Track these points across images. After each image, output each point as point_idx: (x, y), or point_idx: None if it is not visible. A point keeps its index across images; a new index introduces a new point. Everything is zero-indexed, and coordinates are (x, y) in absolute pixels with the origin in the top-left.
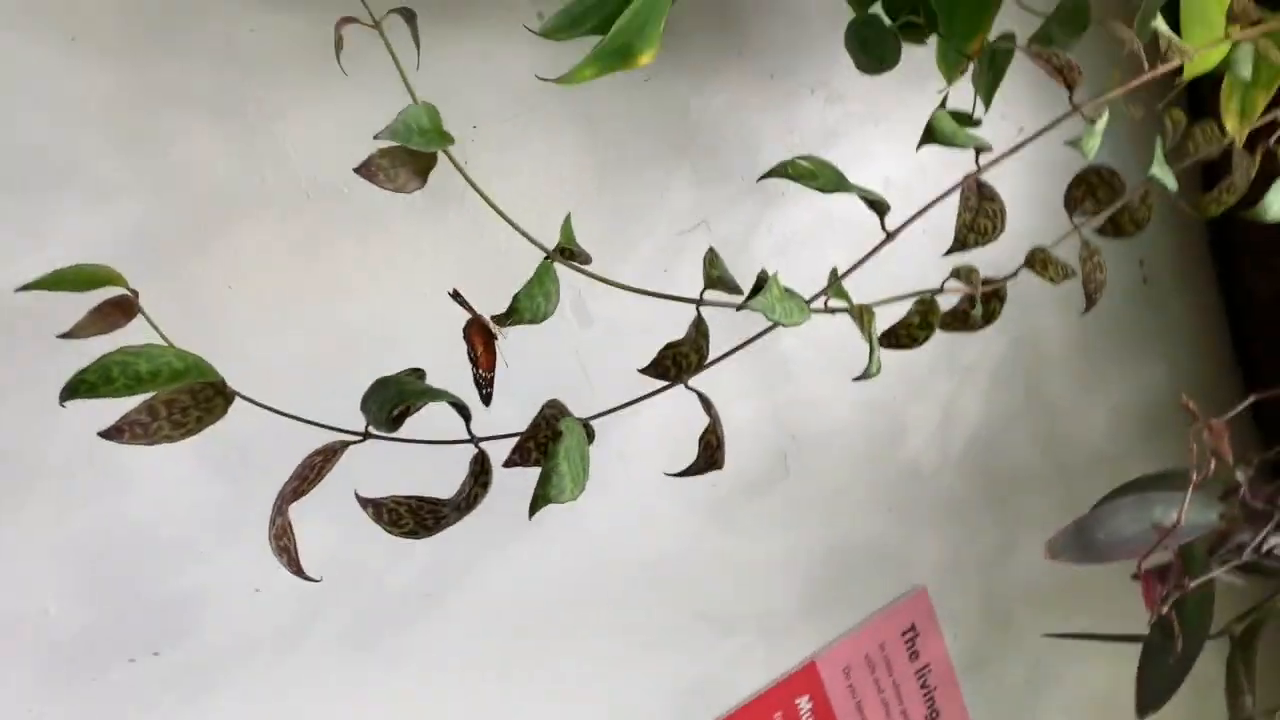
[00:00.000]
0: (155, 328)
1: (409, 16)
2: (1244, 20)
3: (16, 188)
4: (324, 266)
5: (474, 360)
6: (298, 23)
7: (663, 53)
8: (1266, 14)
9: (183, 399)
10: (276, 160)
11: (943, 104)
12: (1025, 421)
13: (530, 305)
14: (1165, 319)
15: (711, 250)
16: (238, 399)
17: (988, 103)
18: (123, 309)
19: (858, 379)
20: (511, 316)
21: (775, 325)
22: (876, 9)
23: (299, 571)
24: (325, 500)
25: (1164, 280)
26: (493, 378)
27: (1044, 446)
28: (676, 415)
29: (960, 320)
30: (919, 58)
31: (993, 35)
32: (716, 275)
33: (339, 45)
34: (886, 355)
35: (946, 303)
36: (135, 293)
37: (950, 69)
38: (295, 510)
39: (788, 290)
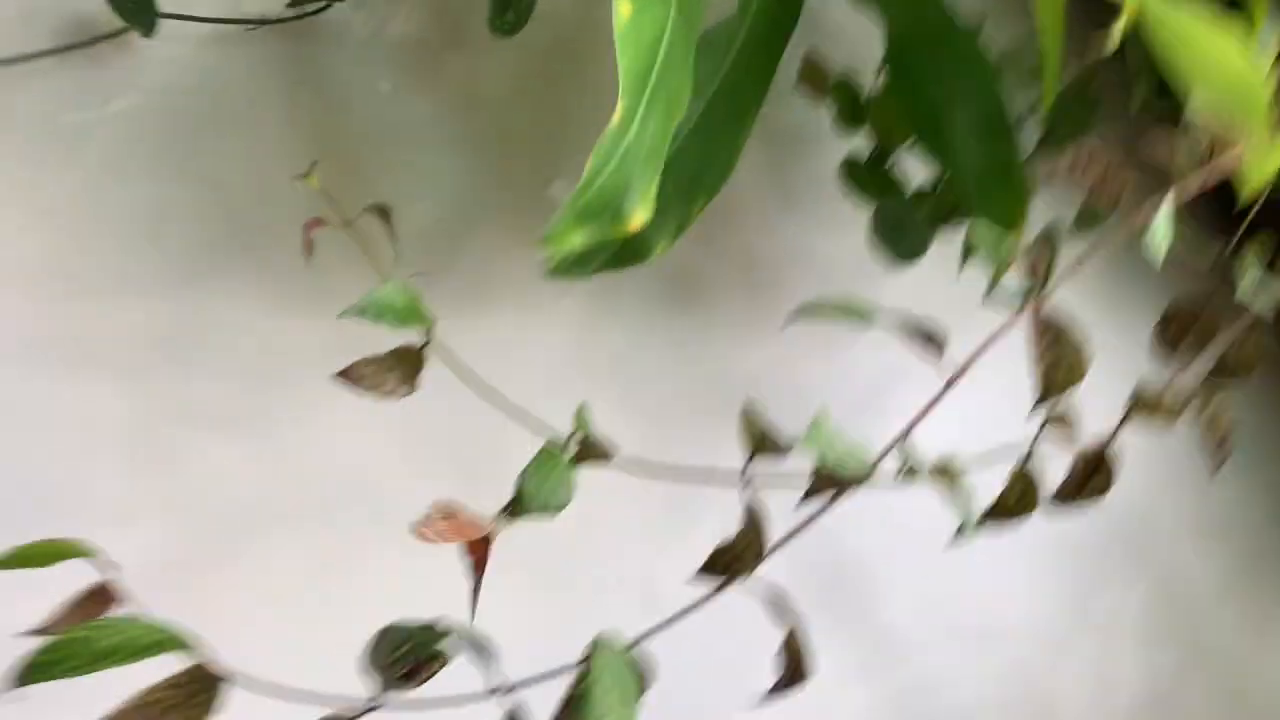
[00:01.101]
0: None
1: (383, 214)
2: None
3: (33, 521)
4: (344, 578)
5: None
6: (297, 323)
7: (695, 314)
8: None
9: (166, 697)
10: (287, 468)
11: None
12: (1194, 678)
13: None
14: None
15: (751, 400)
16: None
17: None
18: (100, 598)
19: (955, 539)
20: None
21: (837, 494)
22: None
23: None
24: None
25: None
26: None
27: (1227, 706)
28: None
29: (1071, 492)
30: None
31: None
32: (759, 433)
33: (308, 249)
34: (982, 619)
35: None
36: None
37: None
38: None
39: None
